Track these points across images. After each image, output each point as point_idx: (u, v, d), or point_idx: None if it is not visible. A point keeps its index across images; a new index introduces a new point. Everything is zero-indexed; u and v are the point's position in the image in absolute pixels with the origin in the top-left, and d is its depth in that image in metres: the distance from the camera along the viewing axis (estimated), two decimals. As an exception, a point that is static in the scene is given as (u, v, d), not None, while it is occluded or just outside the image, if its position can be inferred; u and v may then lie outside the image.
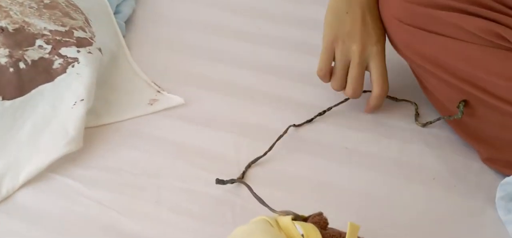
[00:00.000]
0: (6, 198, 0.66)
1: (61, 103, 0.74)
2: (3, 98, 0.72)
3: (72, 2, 0.86)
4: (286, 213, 0.51)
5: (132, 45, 0.93)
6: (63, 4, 0.83)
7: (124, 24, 0.95)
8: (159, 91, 0.82)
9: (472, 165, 0.72)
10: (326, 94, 0.82)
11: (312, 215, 0.52)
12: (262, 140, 0.75)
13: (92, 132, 0.75)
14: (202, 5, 1.04)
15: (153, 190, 0.68)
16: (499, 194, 0.65)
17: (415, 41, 0.73)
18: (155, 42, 0.95)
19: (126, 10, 0.98)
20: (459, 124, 0.74)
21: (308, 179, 0.71)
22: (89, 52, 0.78)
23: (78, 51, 0.77)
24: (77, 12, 0.84)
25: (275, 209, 0.55)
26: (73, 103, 0.73)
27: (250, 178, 0.70)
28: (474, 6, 0.67)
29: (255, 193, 0.60)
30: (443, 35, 0.70)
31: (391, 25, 0.76)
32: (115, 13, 0.95)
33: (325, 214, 0.54)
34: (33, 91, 0.74)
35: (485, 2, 0.67)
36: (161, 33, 0.97)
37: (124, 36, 0.93)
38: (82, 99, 0.73)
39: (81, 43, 0.79)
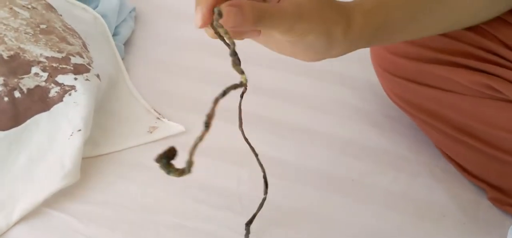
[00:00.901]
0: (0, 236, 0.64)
1: (57, 134, 0.71)
2: (-2, 130, 0.69)
3: (69, 26, 0.83)
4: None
5: (131, 67, 0.90)
6: (60, 29, 0.81)
7: (123, 46, 0.93)
8: (159, 118, 0.80)
9: (481, 202, 0.70)
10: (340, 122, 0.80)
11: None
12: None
13: (90, 162, 0.73)
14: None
15: (150, 226, 0.66)
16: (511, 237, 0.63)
17: (407, 93, 0.73)
18: (155, 64, 0.92)
19: (124, 31, 0.95)
20: (462, 166, 0.72)
21: (312, 213, 0.69)
22: (87, 80, 0.76)
23: (76, 79, 0.75)
24: (74, 36, 0.82)
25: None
26: (70, 134, 0.71)
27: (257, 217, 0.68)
28: (463, 58, 0.65)
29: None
30: (434, 87, 0.69)
31: (382, 77, 0.76)
32: (114, 34, 0.93)
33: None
34: (29, 121, 0.71)
35: (475, 53, 0.65)
36: (161, 54, 0.94)
37: (123, 59, 0.90)
38: (79, 130, 0.71)
39: (78, 70, 0.76)
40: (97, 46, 0.86)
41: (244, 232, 0.65)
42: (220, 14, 0.42)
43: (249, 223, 0.58)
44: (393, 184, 0.73)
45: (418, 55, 0.70)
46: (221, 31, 0.43)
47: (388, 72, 0.75)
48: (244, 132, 0.55)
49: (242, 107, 0.52)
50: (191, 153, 0.38)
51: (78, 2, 0.93)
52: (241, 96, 0.51)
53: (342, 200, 0.71)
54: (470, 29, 0.65)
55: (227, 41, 0.44)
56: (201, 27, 0.44)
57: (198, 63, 0.92)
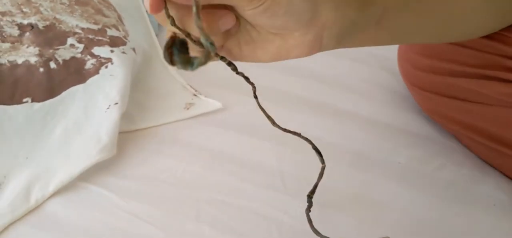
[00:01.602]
0: (35, 209, 0.62)
1: (93, 107, 0.69)
2: (33, 100, 0.67)
3: (104, -1, 0.81)
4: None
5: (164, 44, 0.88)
6: (96, 1, 0.78)
7: (156, 22, 0.90)
8: (195, 95, 0.77)
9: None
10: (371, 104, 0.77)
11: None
12: (304, 151, 0.69)
13: (126, 137, 0.70)
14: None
15: (192, 203, 0.63)
16: None
17: (439, 107, 0.72)
18: (189, 41, 0.90)
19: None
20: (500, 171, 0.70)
21: (360, 196, 0.66)
22: (123, 52, 0.74)
23: (112, 51, 0.73)
24: (110, 9, 0.80)
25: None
26: (107, 107, 0.68)
27: (301, 196, 0.65)
28: (491, 70, 0.64)
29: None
30: (465, 100, 0.68)
31: (412, 91, 0.76)
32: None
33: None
34: (64, 93, 0.69)
35: (502, 63, 0.62)
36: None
37: (156, 35, 0.88)
38: (116, 103, 0.69)
39: (114, 42, 0.74)
40: (131, 21, 0.84)
41: (287, 210, 0.62)
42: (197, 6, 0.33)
43: (311, 194, 0.53)
44: (440, 172, 0.69)
45: (443, 69, 0.69)
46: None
47: (417, 86, 0.74)
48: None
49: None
50: (200, 21, 0.33)
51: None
52: (255, 97, 0.47)
53: (390, 184, 0.68)
54: (492, 38, 0.63)
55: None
56: (152, 12, 0.37)
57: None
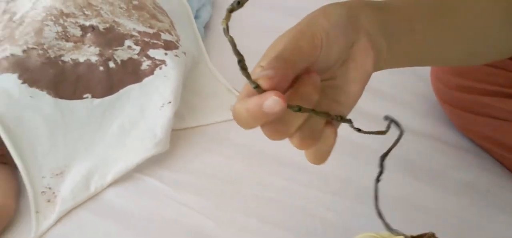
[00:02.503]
0: (94, 196, 0.66)
1: (148, 105, 0.73)
2: (93, 96, 0.72)
3: (158, 4, 0.86)
4: (397, 233, 0.49)
5: (210, 50, 0.92)
6: (150, 6, 0.83)
7: (203, 29, 0.95)
8: (240, 98, 0.81)
9: None
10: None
11: (426, 234, 0.49)
12: (345, 152, 0.73)
13: (177, 134, 0.74)
14: (280, 14, 1.02)
15: (239, 198, 0.67)
16: None
17: (470, 124, 0.75)
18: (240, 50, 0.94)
19: (204, 15, 0.98)
20: None
21: (406, 199, 0.69)
22: (176, 56, 0.78)
23: (166, 54, 0.77)
24: (163, 14, 0.85)
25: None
26: (161, 105, 0.73)
27: (343, 195, 0.68)
28: None
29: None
30: (496, 118, 0.70)
31: (445, 109, 0.79)
32: (195, 17, 0.95)
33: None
34: (121, 91, 0.74)
35: None
36: (238, 39, 0.96)
37: (203, 41, 0.92)
38: (169, 102, 0.73)
39: (168, 46, 0.79)
40: (181, 26, 0.88)
41: (330, 207, 0.66)
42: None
43: (384, 156, 0.51)
44: (474, 179, 0.72)
45: (474, 88, 0.72)
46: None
47: (448, 103, 0.77)
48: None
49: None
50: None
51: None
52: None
53: (432, 190, 0.71)
54: None
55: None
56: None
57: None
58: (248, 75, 0.35)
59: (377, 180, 0.49)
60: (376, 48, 0.42)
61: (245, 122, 0.36)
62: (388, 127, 0.48)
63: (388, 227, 0.49)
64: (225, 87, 0.83)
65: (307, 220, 0.65)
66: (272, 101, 0.34)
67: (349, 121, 0.43)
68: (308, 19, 0.41)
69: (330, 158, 0.72)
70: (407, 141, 0.77)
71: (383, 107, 0.84)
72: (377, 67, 0.43)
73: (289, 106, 0.35)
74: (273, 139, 0.38)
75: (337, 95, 0.42)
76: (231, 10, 0.34)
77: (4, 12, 0.81)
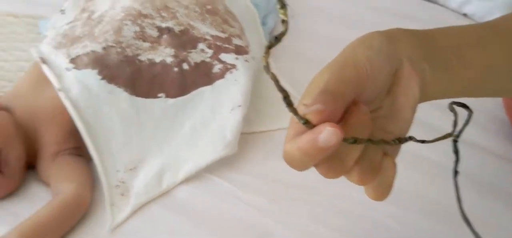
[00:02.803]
0: (166, 193, 0.68)
1: (219, 108, 0.75)
2: (167, 96, 0.74)
3: (229, 10, 0.88)
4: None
5: (274, 57, 0.94)
6: (223, 11, 0.86)
7: (268, 36, 0.96)
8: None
9: None
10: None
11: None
12: (415, 168, 0.73)
13: (245, 138, 0.76)
14: (343, 25, 1.03)
15: (306, 204, 0.68)
16: None
17: None
18: (297, 56, 0.95)
19: (270, 22, 0.99)
20: None
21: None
22: (246, 61, 0.80)
23: (237, 59, 0.79)
24: (234, 20, 0.87)
25: None
26: (231, 108, 0.75)
27: (411, 209, 0.68)
28: None
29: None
30: None
31: None
32: (262, 24, 0.97)
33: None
34: (194, 92, 0.76)
35: None
36: (303, 47, 0.97)
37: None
38: (239, 105, 0.75)
39: (239, 50, 0.80)
40: (249, 32, 0.90)
41: (400, 220, 0.65)
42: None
43: (456, 140, 0.49)
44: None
45: None
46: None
47: None
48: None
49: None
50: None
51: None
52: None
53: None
54: None
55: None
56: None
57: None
58: (295, 112, 0.34)
59: (455, 171, 0.46)
60: (420, 73, 0.40)
61: (299, 163, 0.34)
62: (455, 122, 0.45)
63: (476, 234, 0.48)
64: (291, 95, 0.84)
65: (375, 230, 0.65)
66: (327, 134, 0.32)
67: (410, 138, 0.42)
68: (349, 49, 0.39)
69: (400, 173, 0.72)
70: (479, 160, 0.76)
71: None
72: (425, 94, 0.41)
73: (344, 139, 0.33)
74: (330, 177, 0.36)
75: (387, 125, 0.40)
76: (270, 47, 0.33)
77: (83, 10, 0.85)
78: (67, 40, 0.77)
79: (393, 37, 0.41)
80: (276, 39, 0.33)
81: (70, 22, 0.83)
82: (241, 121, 0.74)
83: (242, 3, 0.95)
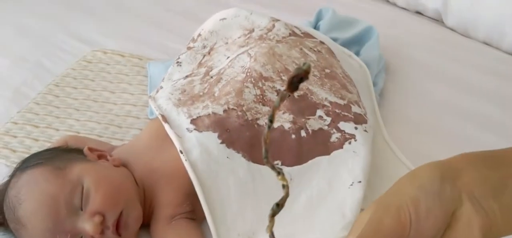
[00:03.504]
0: (281, 270, 0.65)
1: (337, 181, 0.72)
2: (282, 164, 0.72)
3: (346, 74, 0.85)
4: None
5: (384, 121, 0.90)
6: (341, 75, 0.83)
7: (378, 97, 0.93)
8: (424, 183, 0.78)
9: None
10: None
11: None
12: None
13: (362, 215, 0.72)
14: (456, 88, 0.97)
15: None
16: None
17: None
18: (407, 120, 0.91)
19: (380, 83, 0.96)
20: None
21: None
22: (365, 131, 0.76)
23: (356, 128, 0.76)
24: (351, 84, 0.83)
25: None
26: (350, 183, 0.71)
27: None
28: None
29: None
30: None
31: None
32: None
33: None
34: (310, 162, 0.73)
35: None
36: (414, 111, 0.92)
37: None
38: (359, 181, 0.71)
39: (358, 119, 0.77)
40: (363, 96, 0.87)
41: None
42: None
43: None
44: None
45: None
46: None
47: None
48: None
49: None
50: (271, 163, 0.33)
51: (346, 50, 0.95)
52: None
53: None
54: None
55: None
56: None
57: (457, 129, 0.88)
58: None
59: None
60: (484, 216, 0.36)
61: None
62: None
63: None
64: (407, 169, 0.80)
65: None
66: None
67: None
68: (395, 188, 0.37)
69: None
70: None
71: None
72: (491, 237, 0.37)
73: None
74: None
75: None
76: (273, 215, 0.34)
77: (200, 64, 0.84)
78: (187, 97, 0.77)
79: (451, 171, 0.37)
80: (278, 206, 0.34)
81: (187, 76, 0.82)
82: (361, 198, 0.70)
83: (355, 64, 0.92)
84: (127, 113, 0.91)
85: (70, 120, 0.89)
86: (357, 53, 0.97)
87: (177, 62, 0.86)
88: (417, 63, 1.04)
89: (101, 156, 0.70)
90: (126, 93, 0.96)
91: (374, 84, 0.94)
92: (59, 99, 0.94)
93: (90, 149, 0.70)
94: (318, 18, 1.02)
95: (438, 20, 1.20)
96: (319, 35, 0.90)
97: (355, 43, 1.00)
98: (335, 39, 0.97)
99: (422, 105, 0.95)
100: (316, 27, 1.01)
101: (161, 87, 0.84)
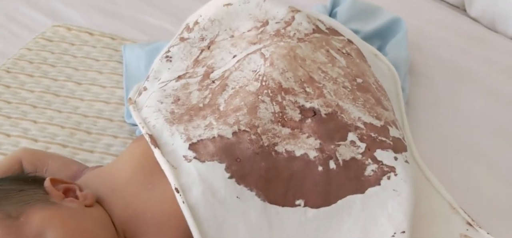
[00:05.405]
0: None
1: (373, 229, 0.57)
2: (306, 204, 0.56)
3: (379, 83, 0.69)
4: None
5: (414, 136, 0.74)
6: (374, 86, 0.66)
7: (405, 106, 0.77)
8: (471, 225, 0.63)
9: None
10: None
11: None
12: None
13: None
14: (496, 102, 0.82)
15: None
16: None
17: None
18: (440, 138, 0.75)
19: (407, 88, 0.80)
20: None
21: None
22: (406, 161, 0.61)
23: (396, 158, 0.60)
24: (386, 98, 0.67)
25: None
26: (391, 234, 0.56)
27: None
28: None
29: None
30: None
31: None
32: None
33: None
34: (340, 202, 0.57)
35: None
36: (446, 126, 0.77)
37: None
38: (403, 232, 0.56)
39: (397, 146, 0.61)
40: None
41: None
42: None
43: None
44: None
45: None
46: None
47: None
48: None
49: None
50: None
51: (373, 48, 0.78)
52: None
53: None
54: None
55: None
56: None
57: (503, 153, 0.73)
58: None
59: None
60: None
61: None
62: None
63: None
64: (448, 205, 0.65)
65: None
66: None
67: None
68: None
69: None
70: None
71: None
72: None
73: None
74: None
75: None
76: None
77: (197, 62, 0.66)
78: (182, 109, 0.59)
79: None
80: None
81: (180, 77, 0.64)
82: (405, 255, 0.55)
83: (383, 66, 0.76)
84: (97, 114, 0.72)
85: (25, 121, 0.70)
86: (380, 50, 0.81)
87: (166, 56, 0.67)
88: (444, 62, 0.88)
89: (68, 191, 0.52)
90: (95, 85, 0.77)
91: (402, 89, 0.78)
92: (10, 91, 0.75)
93: (53, 181, 0.52)
94: (335, 3, 0.85)
95: (459, 8, 1.04)
96: (345, 30, 0.73)
97: (377, 37, 0.83)
98: (355, 32, 0.79)
99: (454, 117, 0.79)
100: (331, 14, 0.84)
101: (145, 89, 0.65)
